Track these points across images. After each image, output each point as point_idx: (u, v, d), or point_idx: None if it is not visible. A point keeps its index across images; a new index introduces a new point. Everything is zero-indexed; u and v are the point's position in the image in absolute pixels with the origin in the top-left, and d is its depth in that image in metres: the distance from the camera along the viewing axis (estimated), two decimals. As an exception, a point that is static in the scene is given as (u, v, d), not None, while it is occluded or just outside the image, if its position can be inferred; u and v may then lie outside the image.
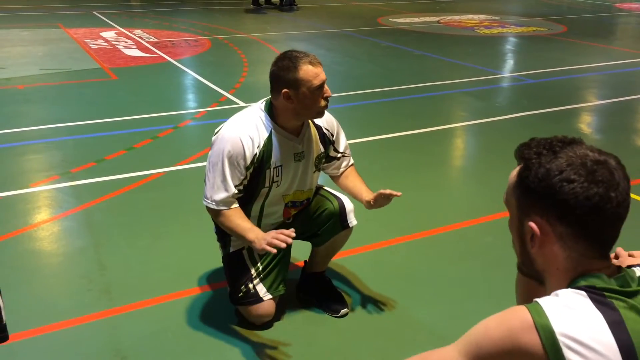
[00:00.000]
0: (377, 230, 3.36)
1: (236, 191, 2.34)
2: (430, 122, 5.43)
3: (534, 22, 12.40)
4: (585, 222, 1.08)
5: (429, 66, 8.26)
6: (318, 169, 2.57)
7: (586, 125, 5.68)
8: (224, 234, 2.54)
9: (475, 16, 13.41)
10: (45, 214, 3.63)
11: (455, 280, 2.92)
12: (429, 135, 5.15)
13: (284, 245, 2.15)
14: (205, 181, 2.38)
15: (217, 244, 2.63)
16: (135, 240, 3.29)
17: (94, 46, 9.09)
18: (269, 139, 2.36)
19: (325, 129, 2.54)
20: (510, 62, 8.88)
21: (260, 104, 2.44)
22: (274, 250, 2.16)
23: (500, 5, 15.91)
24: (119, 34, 10.36)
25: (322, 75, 2.30)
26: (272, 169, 2.39)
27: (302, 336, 2.51)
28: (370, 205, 2.47)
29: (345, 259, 2.99)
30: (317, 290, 2.71)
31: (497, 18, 13.19)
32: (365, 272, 2.96)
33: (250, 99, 5.62)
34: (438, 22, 12.42)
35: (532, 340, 1.03)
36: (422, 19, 12.73)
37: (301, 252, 2.81)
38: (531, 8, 15.23)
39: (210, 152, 2.38)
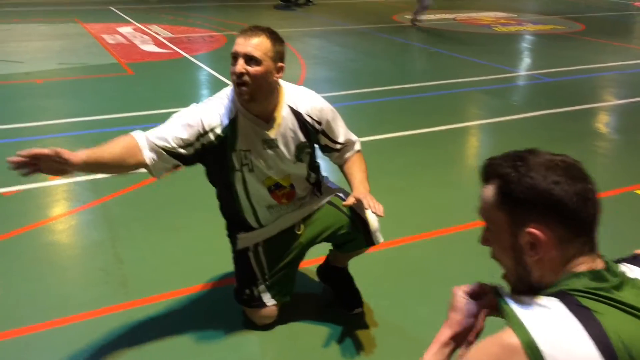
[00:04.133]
0: (392, 228, 3.34)
1: (159, 144, 2.13)
2: (446, 120, 5.41)
3: (551, 20, 12.29)
4: (580, 217, 1.12)
5: (444, 64, 8.22)
6: (300, 159, 2.32)
7: (604, 125, 5.62)
8: (231, 231, 2.52)
9: (492, 14, 13.32)
10: (64, 207, 3.67)
11: (471, 279, 2.89)
12: (445, 133, 5.13)
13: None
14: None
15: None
16: (152, 234, 3.32)
17: (111, 41, 9.16)
18: (234, 121, 2.20)
19: (309, 116, 2.28)
20: (527, 61, 8.81)
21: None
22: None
23: (517, 3, 15.79)
24: (136, 29, 10.43)
25: (239, 47, 2.10)
26: (238, 152, 2.23)
27: (313, 333, 2.51)
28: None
29: (360, 256, 2.98)
30: (336, 281, 2.70)
31: (514, 16, 13.09)
32: (379, 270, 2.96)
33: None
34: (454, 19, 12.35)
35: None
36: (438, 16, 12.67)
37: (320, 249, 2.79)
38: (548, 6, 15.10)
39: None
